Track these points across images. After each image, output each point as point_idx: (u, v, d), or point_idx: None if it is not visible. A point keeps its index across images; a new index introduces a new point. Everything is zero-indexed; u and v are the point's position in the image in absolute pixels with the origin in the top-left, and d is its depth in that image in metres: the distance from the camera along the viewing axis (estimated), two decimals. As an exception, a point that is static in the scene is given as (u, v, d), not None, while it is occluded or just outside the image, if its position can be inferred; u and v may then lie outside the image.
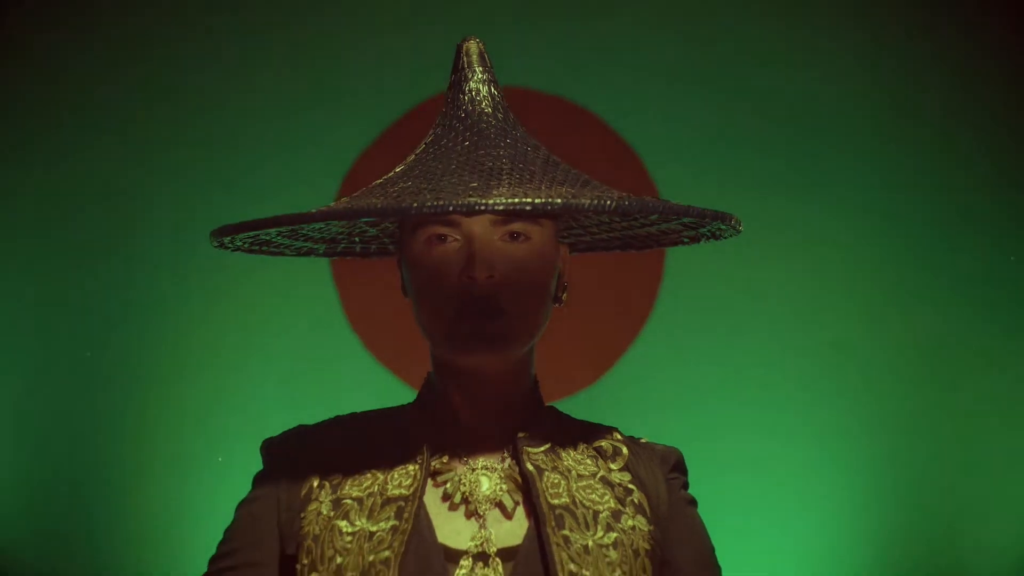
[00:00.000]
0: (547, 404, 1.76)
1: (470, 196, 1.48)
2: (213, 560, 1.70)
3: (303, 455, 1.69)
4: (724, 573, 1.83)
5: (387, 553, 1.57)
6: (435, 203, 1.47)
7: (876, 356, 4.90)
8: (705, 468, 4.57)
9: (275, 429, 3.85)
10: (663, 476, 1.70)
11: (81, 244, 4.87)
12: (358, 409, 1.98)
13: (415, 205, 1.48)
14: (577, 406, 2.54)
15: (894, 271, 4.96)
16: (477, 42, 1.78)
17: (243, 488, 2.03)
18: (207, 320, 4.85)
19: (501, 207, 1.47)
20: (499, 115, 1.68)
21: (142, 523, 4.83)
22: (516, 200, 1.46)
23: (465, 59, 1.74)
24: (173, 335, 4.87)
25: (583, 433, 1.72)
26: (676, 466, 1.74)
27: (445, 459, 1.65)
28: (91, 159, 4.88)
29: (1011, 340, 4.92)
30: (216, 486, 4.59)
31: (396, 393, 5.02)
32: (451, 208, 1.46)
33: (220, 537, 1.79)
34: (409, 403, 1.76)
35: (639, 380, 4.71)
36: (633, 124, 4.93)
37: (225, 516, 1.97)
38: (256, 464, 1.98)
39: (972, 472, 4.87)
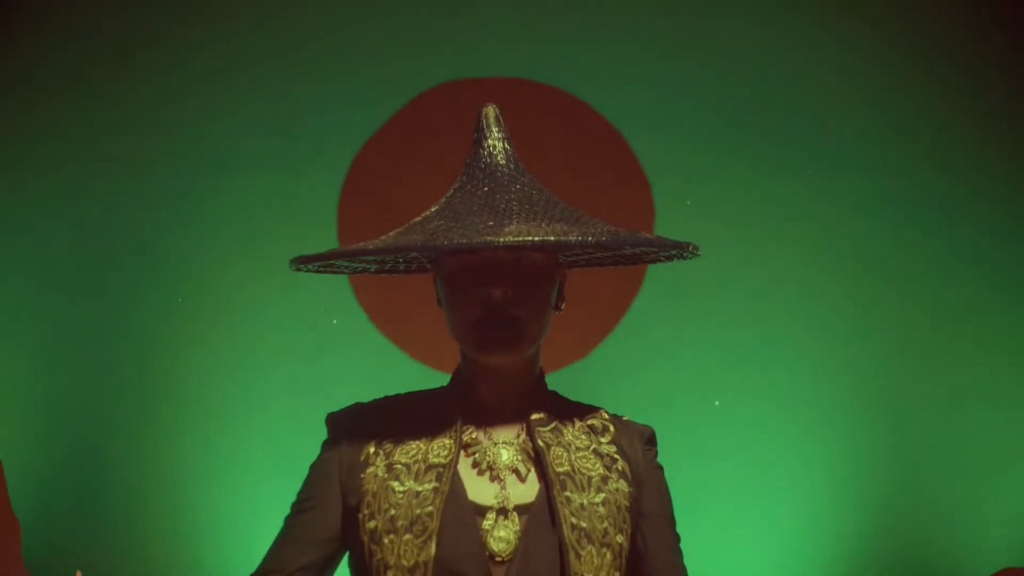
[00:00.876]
0: (549, 389, 2.21)
1: (487, 235, 1.95)
2: (293, 505, 2.15)
3: (360, 427, 2.13)
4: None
5: (430, 508, 2.00)
6: (460, 241, 1.94)
7: (863, 350, 4.97)
8: (684, 452, 4.51)
9: (283, 401, 3.89)
10: (641, 448, 2.15)
11: (98, 229, 4.94)
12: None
13: (446, 243, 1.96)
14: (566, 377, 2.93)
15: (883, 261, 5.02)
16: (494, 108, 2.23)
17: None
18: (218, 306, 4.92)
19: (509, 243, 1.93)
20: (511, 165, 2.12)
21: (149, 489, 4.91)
22: (520, 239, 1.92)
23: (484, 121, 2.21)
24: (186, 318, 4.94)
25: (578, 413, 2.17)
26: (650, 440, 2.18)
27: (473, 434, 2.08)
28: (107, 141, 4.94)
29: (997, 337, 4.99)
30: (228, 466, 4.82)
31: (394, 360, 4.90)
32: (472, 244, 1.93)
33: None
34: (443, 387, 2.19)
35: (624, 359, 4.83)
36: (624, 113, 5.02)
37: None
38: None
39: (957, 467, 4.96)
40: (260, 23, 4.99)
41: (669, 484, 2.28)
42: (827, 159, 5.04)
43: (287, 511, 2.30)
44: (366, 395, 4.20)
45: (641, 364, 4.92)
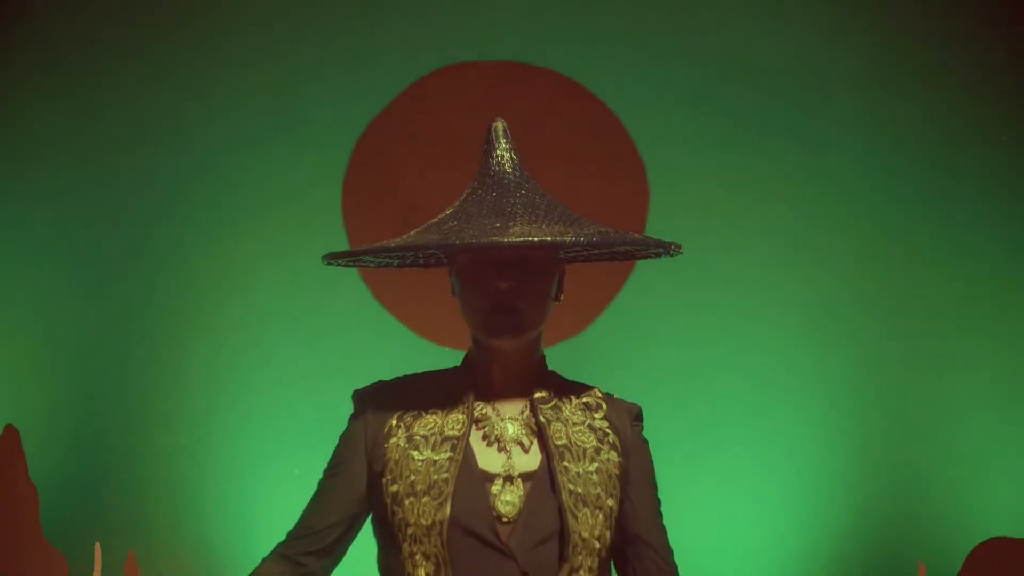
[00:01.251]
0: (549, 369, 2.45)
1: (495, 236, 2.22)
2: (324, 471, 2.40)
3: (383, 402, 2.37)
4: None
5: (446, 475, 2.25)
6: (471, 240, 2.19)
7: (857, 332, 5.02)
8: (677, 430, 4.71)
9: (290, 376, 3.96)
10: (629, 423, 2.39)
11: (106, 214, 4.99)
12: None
13: (458, 242, 2.24)
14: (563, 353, 3.10)
15: (880, 247, 5.06)
16: (502, 122, 2.45)
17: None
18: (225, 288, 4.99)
19: (513, 242, 2.17)
20: (516, 173, 2.36)
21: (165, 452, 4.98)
22: (522, 239, 2.17)
23: (493, 135, 2.42)
24: (200, 298, 5.02)
25: (575, 392, 2.41)
26: (637, 417, 2.43)
27: (483, 410, 2.32)
28: (111, 124, 5.00)
29: (990, 322, 5.02)
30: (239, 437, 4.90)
31: (396, 334, 4.92)
32: (482, 243, 2.18)
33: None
34: (456, 367, 2.43)
35: (615, 336, 4.91)
36: (620, 95, 5.07)
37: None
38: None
39: (947, 446, 5.02)
40: (262, 9, 5.05)
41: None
42: (821, 139, 5.08)
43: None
44: (371, 373, 4.31)
45: (634, 343, 4.99)
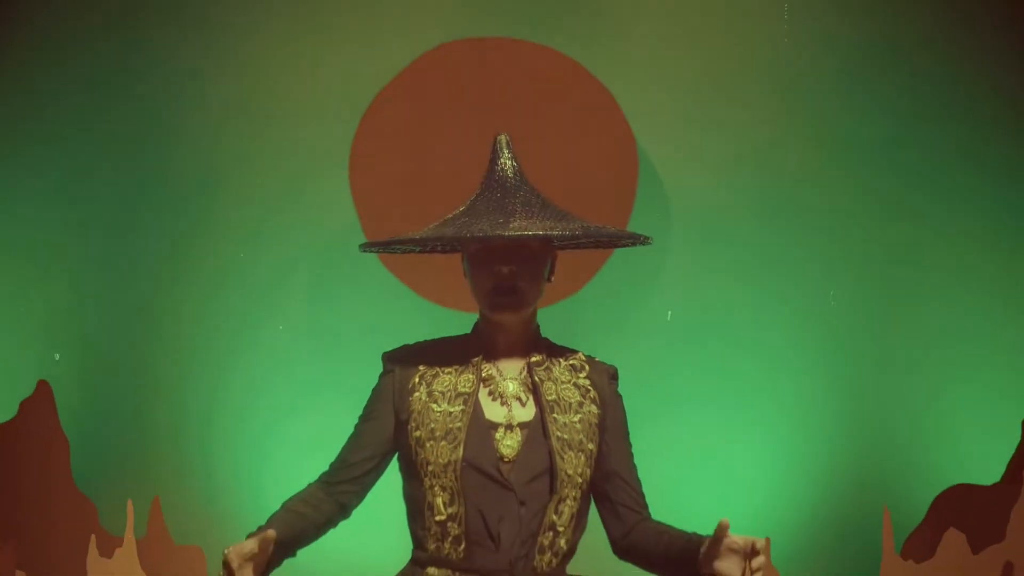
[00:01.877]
0: (542, 337, 2.93)
1: (498, 229, 2.74)
2: (359, 417, 2.86)
3: (407, 362, 2.88)
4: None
5: (459, 424, 2.74)
6: (479, 233, 2.74)
7: (838, 292, 5.20)
8: (654, 395, 4.81)
9: (299, 332, 4.18)
10: (607, 382, 2.88)
11: (123, 175, 5.17)
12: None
13: (468, 234, 2.75)
14: (556, 314, 3.53)
15: (858, 203, 5.21)
16: (505, 136, 2.89)
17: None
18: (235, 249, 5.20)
19: (512, 234, 2.73)
20: (517, 179, 2.86)
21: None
22: (519, 232, 2.70)
23: (498, 145, 2.88)
24: (208, 255, 5.21)
25: (563, 355, 2.93)
26: (613, 376, 2.96)
27: (489, 371, 2.80)
28: (130, 92, 5.17)
29: (967, 279, 5.19)
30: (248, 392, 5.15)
31: (399, 294, 5.08)
32: (487, 235, 2.74)
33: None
34: (466, 335, 2.90)
35: (604, 302, 5.12)
36: (610, 69, 5.22)
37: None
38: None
39: (921, 407, 5.23)
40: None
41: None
42: (805, 104, 5.21)
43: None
44: (371, 327, 4.81)
45: (623, 304, 5.21)
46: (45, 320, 5.20)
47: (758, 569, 2.56)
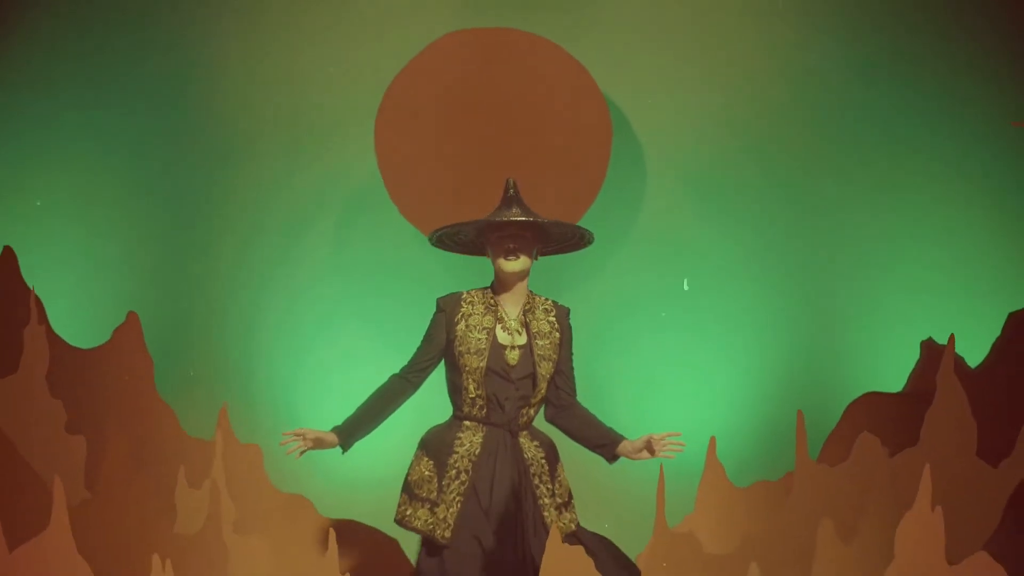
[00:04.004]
0: (530, 291, 4.21)
1: (508, 218, 4.26)
2: (423, 337, 4.36)
3: (453, 305, 4.32)
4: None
5: (484, 345, 4.26)
6: (497, 220, 4.27)
7: (783, 224, 5.89)
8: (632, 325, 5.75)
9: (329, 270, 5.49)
10: (564, 317, 4.41)
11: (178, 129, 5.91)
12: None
13: (493, 219, 4.29)
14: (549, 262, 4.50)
15: (811, 160, 5.89)
16: (513, 180, 4.36)
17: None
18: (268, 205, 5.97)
19: (516, 220, 4.26)
20: (518, 198, 4.34)
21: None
22: (518, 219, 4.26)
23: (508, 184, 4.37)
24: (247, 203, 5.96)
25: (541, 303, 4.38)
26: (567, 314, 4.41)
27: (501, 313, 4.05)
28: (174, 60, 5.91)
29: (882, 224, 5.87)
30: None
31: (413, 238, 5.94)
32: (501, 221, 4.25)
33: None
34: (487, 287, 4.13)
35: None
36: (593, 55, 5.91)
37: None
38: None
39: (836, 323, 5.91)
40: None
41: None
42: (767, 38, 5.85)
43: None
44: (390, 271, 5.52)
45: (610, 248, 5.83)
46: (130, 261, 5.87)
47: (660, 439, 4.00)
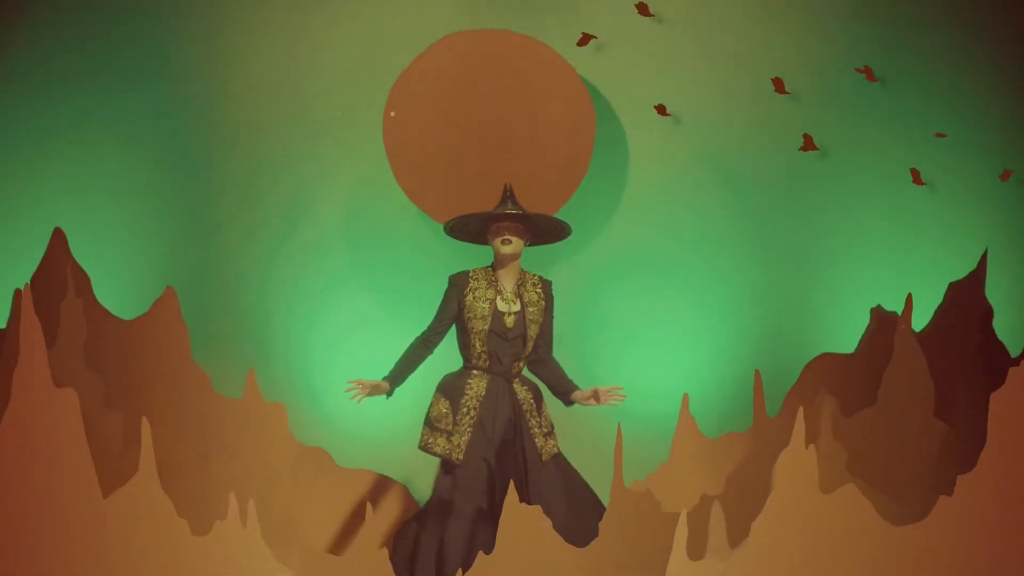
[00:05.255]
0: (521, 268, 4.92)
1: (505, 211, 5.20)
2: (439, 308, 5.31)
3: (462, 281, 5.27)
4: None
5: (487, 313, 5.25)
6: (496, 212, 5.20)
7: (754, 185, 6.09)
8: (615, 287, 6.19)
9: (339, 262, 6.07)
10: (548, 288, 5.34)
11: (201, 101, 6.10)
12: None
13: (491, 213, 5.20)
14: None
15: (785, 124, 6.06)
16: (509, 184, 5.29)
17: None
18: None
19: (510, 213, 5.17)
20: (514, 199, 5.22)
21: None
22: (512, 212, 5.19)
23: (506, 187, 5.28)
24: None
25: (530, 277, 5.30)
26: (551, 286, 5.33)
27: (500, 286, 4.79)
28: (209, 47, 6.11)
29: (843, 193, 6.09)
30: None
31: (414, 214, 6.36)
32: (499, 213, 5.17)
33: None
34: (488, 267, 4.80)
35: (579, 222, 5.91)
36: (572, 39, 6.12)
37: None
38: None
39: (794, 288, 6.14)
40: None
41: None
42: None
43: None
44: (391, 246, 5.89)
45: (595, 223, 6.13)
46: (166, 238, 6.10)
47: (606, 391, 4.88)
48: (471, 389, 5.24)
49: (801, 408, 4.48)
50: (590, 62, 6.07)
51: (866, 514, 4.39)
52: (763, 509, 4.38)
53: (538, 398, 5.30)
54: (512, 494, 4.60)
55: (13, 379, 4.22)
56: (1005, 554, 4.40)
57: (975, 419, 5.01)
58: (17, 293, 5.06)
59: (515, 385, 5.28)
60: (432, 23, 6.13)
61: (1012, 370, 4.50)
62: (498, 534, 4.60)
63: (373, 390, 5.13)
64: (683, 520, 4.33)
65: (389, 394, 5.20)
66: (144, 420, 4.34)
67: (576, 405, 5.31)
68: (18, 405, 4.19)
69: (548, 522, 4.57)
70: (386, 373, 5.19)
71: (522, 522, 4.52)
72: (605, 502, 5.07)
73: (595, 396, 5.16)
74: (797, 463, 4.41)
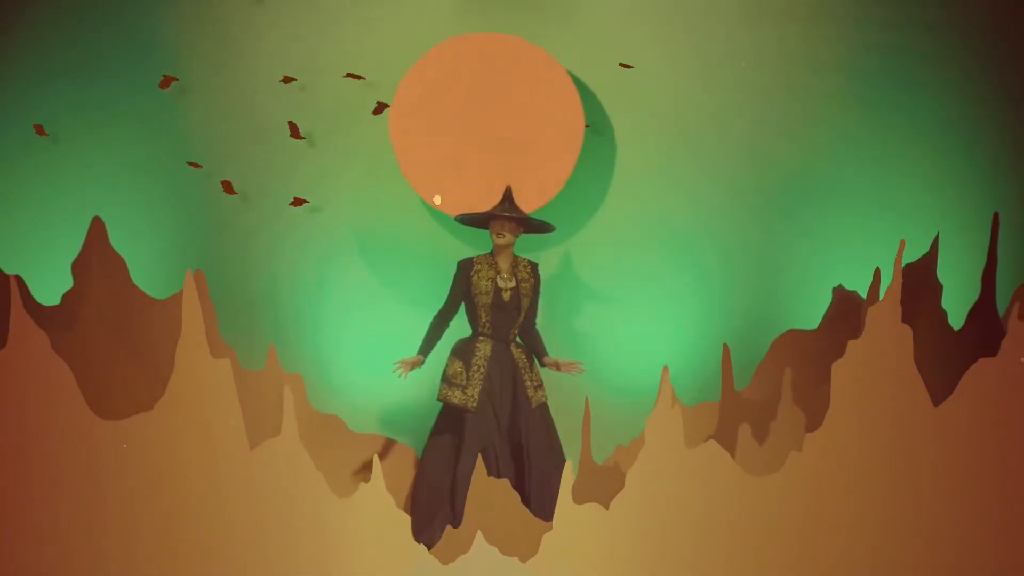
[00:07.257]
0: (515, 254, 5.85)
1: (502, 212, 6.04)
2: (450, 290, 6.23)
3: (468, 265, 6.16)
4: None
5: (490, 290, 6.14)
6: (495, 213, 6.05)
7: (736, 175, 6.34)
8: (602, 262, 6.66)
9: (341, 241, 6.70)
10: (536, 269, 6.26)
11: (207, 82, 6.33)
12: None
13: (491, 213, 6.06)
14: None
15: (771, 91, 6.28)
16: (509, 186, 6.09)
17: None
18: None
19: (504, 214, 5.96)
20: (511, 200, 6.05)
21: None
22: (507, 214, 6.01)
23: (506, 190, 6.09)
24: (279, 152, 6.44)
25: (522, 261, 6.19)
26: (537, 267, 6.24)
27: (498, 268, 5.63)
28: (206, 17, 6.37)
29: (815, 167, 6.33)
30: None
31: (418, 204, 6.89)
32: (499, 213, 6.03)
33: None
34: (488, 253, 5.89)
35: (577, 205, 6.56)
36: (564, 48, 6.41)
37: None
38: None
39: (760, 265, 6.34)
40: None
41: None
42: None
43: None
44: (395, 234, 6.22)
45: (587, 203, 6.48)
46: (194, 227, 6.40)
47: (567, 363, 5.61)
48: (480, 351, 6.17)
49: (666, 367, 4.86)
50: (585, 62, 6.37)
51: (727, 466, 4.82)
52: (635, 461, 4.82)
53: (529, 358, 6.24)
54: (480, 468, 5.52)
55: (176, 351, 4.88)
56: (846, 498, 4.83)
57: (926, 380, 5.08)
58: (188, 275, 5.16)
59: (512, 348, 6.21)
60: (432, 25, 6.42)
61: (850, 342, 4.81)
62: (465, 507, 5.37)
63: (413, 365, 6.08)
64: (568, 468, 4.89)
65: (421, 364, 6.08)
66: (287, 390, 4.91)
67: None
68: (180, 373, 4.90)
69: (516, 496, 5.44)
70: (416, 350, 6.03)
71: (491, 495, 5.25)
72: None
73: (556, 365, 6.14)
74: (664, 422, 4.85)
